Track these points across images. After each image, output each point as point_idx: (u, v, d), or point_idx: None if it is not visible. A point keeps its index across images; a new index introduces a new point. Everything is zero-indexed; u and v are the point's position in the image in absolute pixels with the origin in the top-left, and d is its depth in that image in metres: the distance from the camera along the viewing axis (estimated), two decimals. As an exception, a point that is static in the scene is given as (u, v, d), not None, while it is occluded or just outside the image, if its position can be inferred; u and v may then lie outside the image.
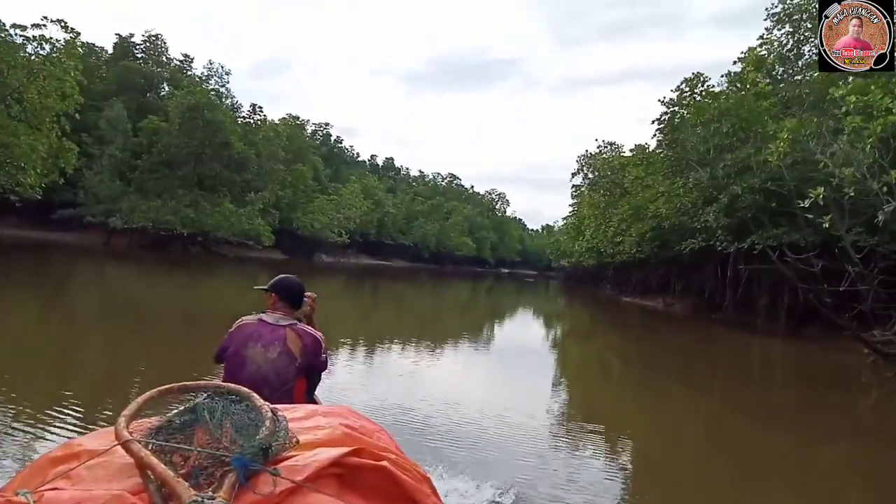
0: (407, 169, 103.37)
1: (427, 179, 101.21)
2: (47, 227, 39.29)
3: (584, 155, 39.91)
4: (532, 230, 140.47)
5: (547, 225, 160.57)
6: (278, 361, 2.74)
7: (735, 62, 21.84)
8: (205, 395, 1.46)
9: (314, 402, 2.95)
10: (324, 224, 52.38)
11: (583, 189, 42.19)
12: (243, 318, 2.91)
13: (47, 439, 4.38)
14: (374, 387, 7.88)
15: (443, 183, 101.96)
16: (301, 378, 2.83)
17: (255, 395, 1.45)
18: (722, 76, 22.99)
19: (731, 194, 18.26)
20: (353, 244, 65.04)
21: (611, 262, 33.52)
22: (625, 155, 31.56)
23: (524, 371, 11.15)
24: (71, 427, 4.77)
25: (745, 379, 12.42)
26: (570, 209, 54.42)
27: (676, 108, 22.18)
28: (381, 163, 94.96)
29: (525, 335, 16.85)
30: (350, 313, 17.88)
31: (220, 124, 38.99)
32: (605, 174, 28.57)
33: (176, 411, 1.41)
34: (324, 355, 2.92)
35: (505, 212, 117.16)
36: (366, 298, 27.86)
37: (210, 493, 1.07)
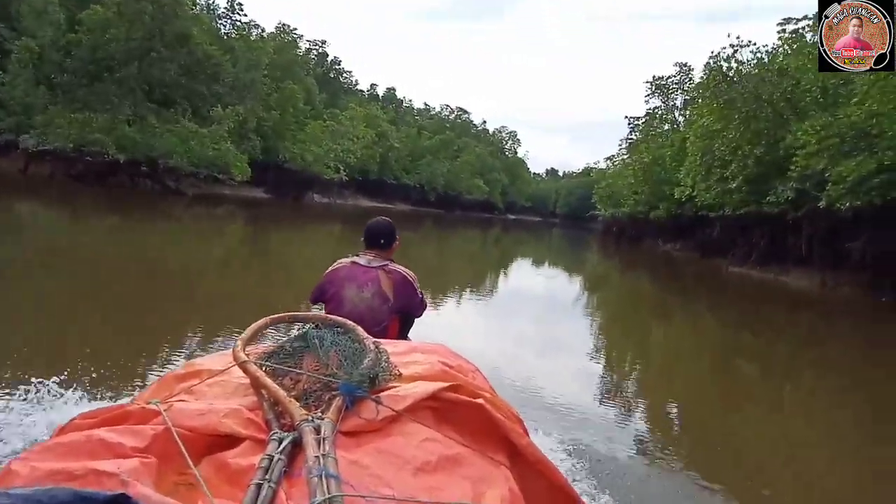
0: (410, 101, 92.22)
1: (433, 112, 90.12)
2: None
3: (657, 78, 29.07)
4: (535, 174, 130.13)
5: (552, 168, 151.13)
6: (372, 301, 2.78)
7: None
8: (313, 325, 1.59)
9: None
10: (317, 156, 42.25)
11: (662, 119, 32.23)
12: (339, 260, 2.95)
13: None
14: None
15: (450, 117, 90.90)
16: (395, 318, 2.88)
17: (358, 327, 1.59)
18: None
19: None
20: (352, 183, 55.06)
21: (713, 215, 24.00)
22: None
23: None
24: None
25: None
26: (622, 150, 44.61)
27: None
28: (381, 93, 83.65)
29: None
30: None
31: (176, 7, 28.29)
32: (749, 84, 18.43)
33: (287, 339, 1.53)
34: (419, 295, 2.94)
35: (516, 152, 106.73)
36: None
37: (319, 414, 1.13)
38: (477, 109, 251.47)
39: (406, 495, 0.99)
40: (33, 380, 3.73)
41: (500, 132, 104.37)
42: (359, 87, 75.88)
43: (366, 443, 1.13)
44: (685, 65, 38.05)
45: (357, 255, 2.95)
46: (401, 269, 2.92)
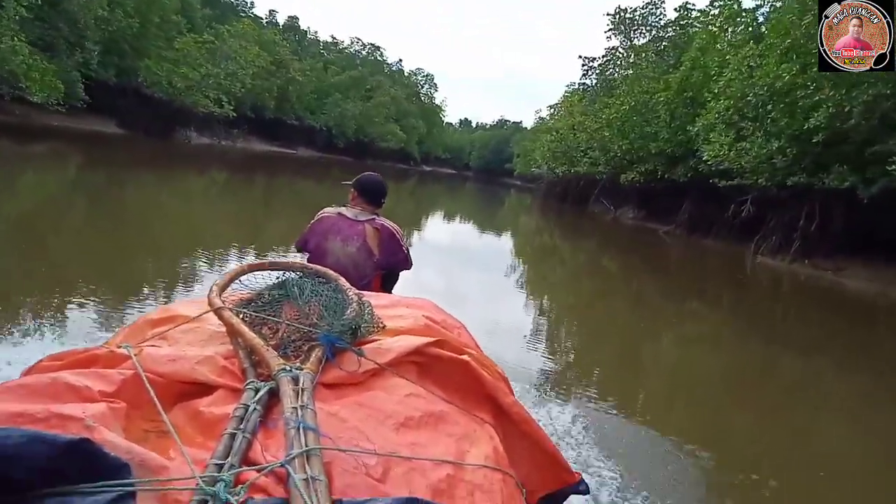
0: (315, 32, 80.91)
1: (342, 47, 79.26)
2: None
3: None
4: (447, 123, 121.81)
5: (466, 119, 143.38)
6: (357, 256, 2.70)
7: None
8: (294, 273, 1.51)
9: None
10: (192, 82, 32.13)
11: (643, 56, 24.96)
12: (324, 209, 2.85)
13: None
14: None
15: (362, 52, 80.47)
16: (378, 273, 2.79)
17: (341, 278, 1.51)
18: None
19: None
20: (243, 121, 44.90)
21: (726, 183, 17.59)
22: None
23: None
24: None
25: None
26: (572, 96, 37.61)
27: None
28: (282, 21, 71.69)
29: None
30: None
31: None
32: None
33: (266, 286, 1.45)
34: (404, 251, 2.83)
35: (433, 98, 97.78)
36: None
37: (298, 364, 1.08)
38: (390, 50, 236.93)
39: (387, 450, 0.95)
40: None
41: (415, 75, 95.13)
42: (254, 11, 64.12)
43: (346, 395, 1.09)
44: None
45: (344, 207, 2.85)
46: (388, 223, 2.82)
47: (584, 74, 34.97)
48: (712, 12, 21.90)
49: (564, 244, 20.12)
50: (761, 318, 10.55)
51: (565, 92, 40.50)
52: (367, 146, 65.98)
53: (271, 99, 47.58)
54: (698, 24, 22.72)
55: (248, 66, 36.19)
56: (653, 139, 22.44)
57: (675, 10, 30.32)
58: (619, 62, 31.76)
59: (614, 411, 4.60)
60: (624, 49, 32.80)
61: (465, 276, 10.35)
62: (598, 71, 34.13)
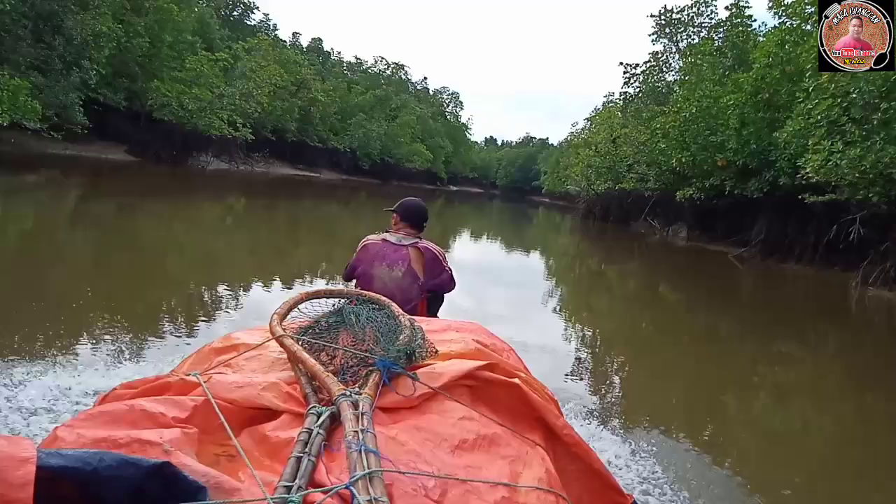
0: (339, 53, 79.35)
1: (366, 66, 77.57)
2: None
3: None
4: (472, 142, 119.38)
5: (491, 137, 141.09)
6: (402, 280, 2.69)
7: None
8: (348, 301, 1.54)
9: None
10: (203, 103, 30.02)
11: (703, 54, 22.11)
12: (368, 237, 2.86)
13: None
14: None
15: (386, 72, 78.63)
16: (424, 297, 2.77)
17: (393, 304, 1.54)
18: None
19: None
20: (265, 144, 42.93)
21: (814, 199, 14.51)
22: None
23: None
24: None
25: None
26: (612, 107, 34.73)
27: None
28: (305, 43, 70.21)
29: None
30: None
31: None
32: None
33: (323, 313, 1.48)
34: (447, 271, 2.80)
35: (458, 117, 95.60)
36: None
37: (356, 389, 1.11)
38: (414, 69, 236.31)
39: (444, 473, 0.98)
40: (65, 350, 3.87)
41: (441, 93, 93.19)
42: (277, 33, 62.68)
43: (403, 419, 1.11)
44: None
45: (387, 232, 2.86)
46: (431, 245, 2.82)
47: (625, 82, 32.03)
48: (786, 0, 18.92)
49: (614, 268, 17.32)
50: (885, 364, 8.20)
51: (603, 102, 37.65)
52: (393, 167, 63.72)
53: (293, 121, 45.55)
54: (776, 13, 19.65)
55: (265, 85, 34.04)
56: (719, 149, 19.38)
57: (727, 8, 27.46)
58: (666, 66, 28.82)
59: (694, 454, 4.09)
60: (669, 53, 29.91)
61: (505, 301, 9.46)
62: (641, 78, 31.20)
